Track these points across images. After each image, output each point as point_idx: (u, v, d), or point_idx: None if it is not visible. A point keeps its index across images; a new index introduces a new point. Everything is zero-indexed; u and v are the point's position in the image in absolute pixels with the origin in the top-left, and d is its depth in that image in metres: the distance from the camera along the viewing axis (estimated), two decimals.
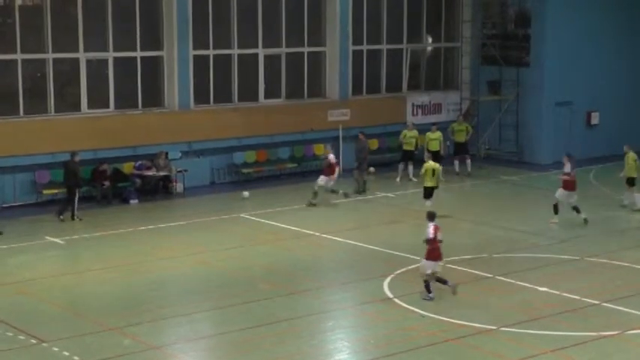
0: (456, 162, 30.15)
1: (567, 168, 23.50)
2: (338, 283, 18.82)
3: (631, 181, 25.07)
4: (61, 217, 23.79)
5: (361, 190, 27.29)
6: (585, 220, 23.11)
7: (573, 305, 16.94)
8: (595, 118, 33.56)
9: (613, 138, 33.13)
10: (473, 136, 31.29)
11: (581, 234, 22.25)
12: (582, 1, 32.98)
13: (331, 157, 26.29)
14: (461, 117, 31.55)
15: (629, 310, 16.60)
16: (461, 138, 30.32)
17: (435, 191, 24.29)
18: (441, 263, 17.70)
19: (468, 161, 30.29)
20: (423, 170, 24.48)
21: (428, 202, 23.66)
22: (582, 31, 32.79)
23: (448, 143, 30.42)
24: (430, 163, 24.37)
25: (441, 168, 24.80)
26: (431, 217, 17.87)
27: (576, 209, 23.27)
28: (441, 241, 17.59)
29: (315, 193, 25.72)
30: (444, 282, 17.55)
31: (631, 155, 25.21)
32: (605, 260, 20.09)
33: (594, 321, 16.10)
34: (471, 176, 29.87)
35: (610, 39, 33.52)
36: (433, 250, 17.48)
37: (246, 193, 26.64)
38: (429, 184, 24.23)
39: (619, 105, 33.95)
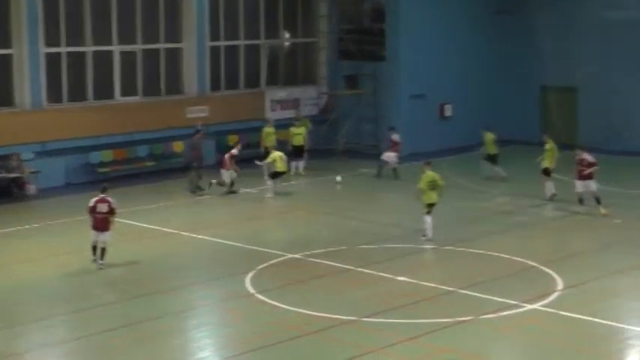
0: (293, 164, 29.44)
1: (590, 158, 23.36)
2: (201, 280, 18.72)
3: (547, 172, 25.24)
4: None
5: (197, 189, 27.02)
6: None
7: (430, 293, 17.39)
8: (448, 110, 34.49)
9: (466, 129, 34.17)
10: (310, 138, 30.74)
11: (437, 224, 22.81)
12: None
13: (395, 136, 28.82)
14: (297, 121, 30.61)
15: (483, 296, 17.16)
16: (299, 141, 29.77)
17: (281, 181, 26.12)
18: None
19: (301, 162, 29.84)
20: (270, 159, 26.64)
21: (270, 182, 26.61)
22: (436, 25, 33.64)
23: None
24: (277, 153, 26.72)
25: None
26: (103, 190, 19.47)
27: (597, 200, 23.25)
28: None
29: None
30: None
31: (549, 145, 25.45)
32: (460, 248, 20.69)
33: (450, 308, 16.56)
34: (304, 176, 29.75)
35: (463, 33, 34.49)
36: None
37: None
38: (280, 169, 26.54)
39: (471, 97, 34.99)
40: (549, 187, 25.08)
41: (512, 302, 16.68)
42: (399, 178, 28.34)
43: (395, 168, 28.70)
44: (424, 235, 21.27)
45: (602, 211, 23.02)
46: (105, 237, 19.23)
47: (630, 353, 14.68)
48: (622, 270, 18.85)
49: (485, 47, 35.23)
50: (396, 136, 29.14)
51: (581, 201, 23.53)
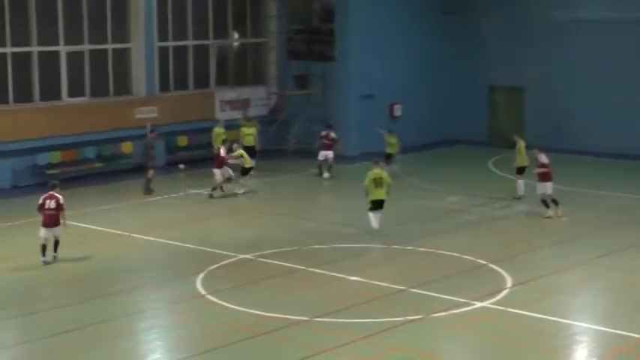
0: None
1: (543, 159, 23.33)
2: (151, 283, 18.61)
3: (521, 170, 25.29)
4: None
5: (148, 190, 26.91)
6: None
7: (382, 292, 17.48)
8: (398, 110, 34.69)
9: (415, 129, 34.43)
10: (259, 138, 30.61)
11: (388, 223, 22.93)
12: None
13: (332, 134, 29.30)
14: (248, 122, 30.64)
15: (434, 294, 17.29)
16: (250, 142, 29.72)
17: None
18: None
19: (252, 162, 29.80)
20: (238, 153, 26.67)
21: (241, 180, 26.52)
22: (385, 25, 33.80)
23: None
24: (240, 151, 26.88)
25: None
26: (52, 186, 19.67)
27: (555, 202, 23.14)
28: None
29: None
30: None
31: (521, 144, 25.43)
32: (411, 247, 20.82)
33: (401, 306, 16.66)
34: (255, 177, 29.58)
35: (412, 33, 34.68)
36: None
37: (181, 166, 27.25)
38: (248, 165, 26.68)
39: (421, 97, 35.22)
40: (520, 186, 25.25)
41: (462, 300, 16.84)
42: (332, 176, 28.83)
43: (330, 166, 29.09)
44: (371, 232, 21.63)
45: (549, 213, 23.08)
46: (56, 232, 19.46)
47: (577, 349, 14.91)
48: (569, 267, 19.15)
49: (434, 48, 35.49)
50: (333, 134, 29.50)
51: (543, 202, 23.46)
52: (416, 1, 35.02)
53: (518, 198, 25.17)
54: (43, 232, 19.36)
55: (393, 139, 28.94)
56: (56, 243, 19.57)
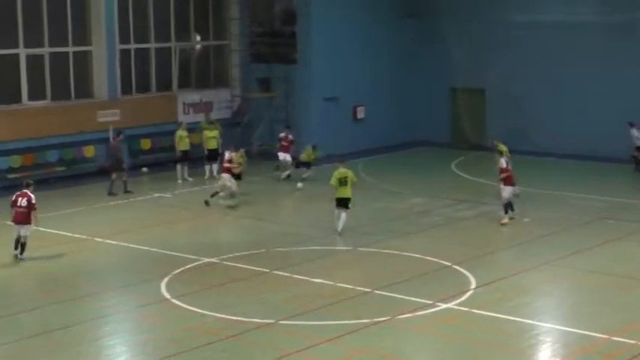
0: (208, 167, 29.42)
1: (503, 163, 23.14)
2: (115, 287, 18.46)
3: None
4: None
5: (112, 193, 26.84)
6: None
7: (347, 294, 17.49)
8: (361, 113, 34.79)
9: (378, 131, 34.58)
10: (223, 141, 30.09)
11: (353, 226, 22.98)
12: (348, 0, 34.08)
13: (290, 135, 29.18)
14: (212, 123, 30.43)
15: (399, 296, 17.35)
16: (213, 144, 29.53)
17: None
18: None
19: (215, 166, 29.39)
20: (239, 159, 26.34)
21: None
22: (348, 28, 33.87)
23: None
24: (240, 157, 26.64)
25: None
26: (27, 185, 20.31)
27: (511, 206, 22.95)
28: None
29: None
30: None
31: (502, 148, 25.13)
32: (375, 249, 20.87)
33: (367, 308, 16.69)
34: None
35: (374, 36, 34.82)
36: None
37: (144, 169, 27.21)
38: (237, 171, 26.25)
39: (384, 99, 35.37)
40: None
41: (427, 302, 16.91)
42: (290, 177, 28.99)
43: (287, 167, 29.26)
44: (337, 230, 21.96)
45: (504, 220, 22.95)
46: (25, 231, 19.87)
47: (541, 349, 15.01)
48: (532, 268, 19.29)
49: (396, 50, 35.63)
50: (290, 136, 29.68)
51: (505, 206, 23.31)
52: (377, 4, 35.12)
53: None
54: (14, 228, 20.01)
55: (314, 155, 29.26)
56: (23, 245, 19.86)
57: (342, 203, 22.01)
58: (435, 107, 35.88)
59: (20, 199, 19.94)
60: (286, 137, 29.62)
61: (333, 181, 22.02)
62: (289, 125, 30.93)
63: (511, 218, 23.09)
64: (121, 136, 28.01)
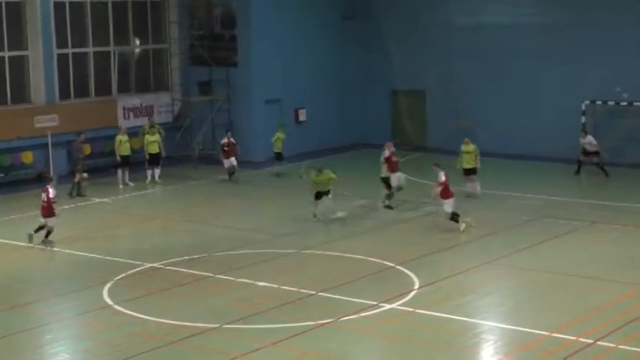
0: (149, 172, 29.19)
1: (442, 177, 22.74)
2: (56, 294, 18.18)
3: (470, 171, 26.13)
4: None
5: (75, 194, 26.70)
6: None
7: (291, 297, 17.49)
8: (303, 115, 34.82)
9: (321, 133, 34.65)
10: (164, 145, 30.05)
11: (296, 229, 23.00)
12: (288, 2, 34.04)
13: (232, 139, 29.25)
14: (152, 127, 29.84)
15: (342, 298, 17.40)
16: (154, 149, 29.26)
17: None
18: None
19: (157, 170, 29.38)
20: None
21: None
22: (288, 31, 33.85)
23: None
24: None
25: None
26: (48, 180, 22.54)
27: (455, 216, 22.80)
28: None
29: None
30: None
31: (471, 147, 26.31)
32: (319, 251, 20.90)
33: (311, 311, 16.71)
34: (161, 184, 29.31)
35: (315, 38, 34.85)
36: None
37: (85, 175, 26.77)
38: None
39: (326, 102, 35.44)
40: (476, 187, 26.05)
41: (371, 303, 16.99)
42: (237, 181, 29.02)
43: (233, 172, 29.32)
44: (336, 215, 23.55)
45: (462, 227, 22.71)
46: (49, 222, 21.70)
47: (484, 347, 15.17)
48: (475, 267, 19.50)
49: (337, 52, 35.74)
50: (232, 139, 29.74)
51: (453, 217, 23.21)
52: (317, 7, 35.19)
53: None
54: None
55: (282, 136, 30.32)
56: (48, 232, 21.67)
57: (322, 194, 23.67)
58: (377, 109, 36.07)
59: (43, 194, 21.76)
60: (228, 142, 29.51)
61: (313, 183, 23.86)
62: (229, 129, 30.91)
63: (459, 221, 22.83)
64: (82, 137, 27.67)
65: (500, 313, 16.83)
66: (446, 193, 22.74)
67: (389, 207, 24.90)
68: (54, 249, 21.45)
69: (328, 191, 23.77)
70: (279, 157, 30.53)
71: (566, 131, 30.96)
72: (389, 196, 25.09)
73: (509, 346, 15.09)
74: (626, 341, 14.91)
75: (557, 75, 32.34)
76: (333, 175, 23.91)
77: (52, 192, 21.68)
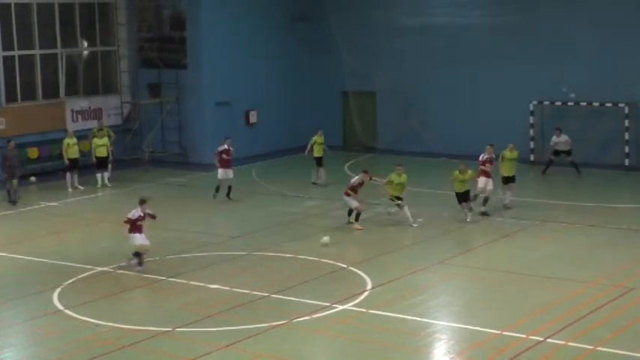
0: (99, 175, 28.80)
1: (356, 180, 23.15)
2: (5, 300, 17.91)
3: (510, 179, 24.88)
4: None
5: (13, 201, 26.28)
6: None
7: (244, 299, 17.44)
8: (254, 117, 34.75)
9: (271, 135, 34.63)
10: (113, 147, 29.69)
11: (248, 230, 22.94)
12: (237, 4, 33.94)
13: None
14: (101, 130, 29.46)
15: (295, 299, 17.40)
16: (102, 152, 28.81)
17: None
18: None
19: (107, 174, 29.09)
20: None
21: None
22: (238, 32, 33.78)
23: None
24: None
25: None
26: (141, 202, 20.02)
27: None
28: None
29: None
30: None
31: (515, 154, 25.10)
32: (271, 253, 20.87)
33: (264, 313, 16.68)
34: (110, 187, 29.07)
35: (265, 40, 34.82)
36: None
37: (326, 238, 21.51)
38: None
39: (277, 103, 35.41)
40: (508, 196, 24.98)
41: (324, 304, 17.00)
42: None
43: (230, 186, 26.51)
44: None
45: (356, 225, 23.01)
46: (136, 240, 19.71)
47: (436, 346, 15.27)
48: (426, 267, 19.61)
49: (288, 54, 35.74)
50: (232, 148, 26.56)
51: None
52: (266, 8, 35.14)
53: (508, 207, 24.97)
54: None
55: (322, 139, 28.79)
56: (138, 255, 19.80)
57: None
58: (327, 110, 36.11)
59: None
60: (228, 150, 26.24)
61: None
62: (229, 136, 27.23)
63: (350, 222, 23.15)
64: (12, 143, 27.17)
65: (452, 312, 16.95)
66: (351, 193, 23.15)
67: (485, 213, 23.84)
68: (0, 253, 21.12)
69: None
70: (319, 162, 28.72)
71: (515, 131, 31.21)
72: (485, 201, 24.11)
73: (461, 345, 15.21)
74: (575, 338, 15.11)
75: (505, 75, 32.66)
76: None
77: (131, 212, 19.87)
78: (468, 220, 23.30)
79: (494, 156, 24.68)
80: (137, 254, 19.61)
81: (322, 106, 36.25)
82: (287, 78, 35.84)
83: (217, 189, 26.28)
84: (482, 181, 24.46)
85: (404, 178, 23.58)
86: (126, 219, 19.75)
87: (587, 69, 31.34)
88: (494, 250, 21.07)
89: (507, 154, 25.05)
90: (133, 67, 34.02)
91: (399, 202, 23.38)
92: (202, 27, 33.05)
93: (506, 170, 24.92)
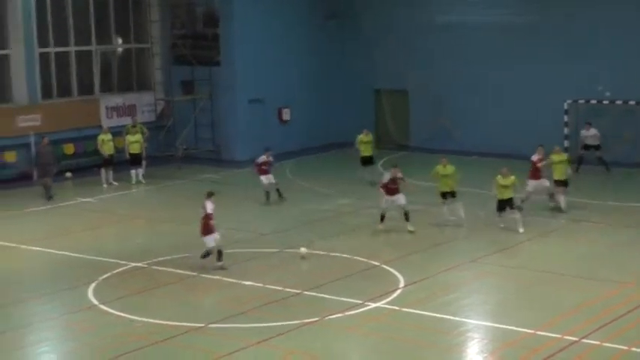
0: (133, 172, 28.91)
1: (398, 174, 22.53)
2: (41, 294, 18.09)
3: (562, 183, 24.37)
4: None
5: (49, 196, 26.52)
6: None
7: (277, 296, 17.48)
8: (287, 114, 34.80)
9: (304, 133, 34.67)
10: (147, 144, 29.80)
11: (280, 227, 22.98)
12: (270, 1, 34.02)
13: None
14: (134, 127, 29.51)
15: (328, 296, 17.40)
16: (136, 149, 28.90)
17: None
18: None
19: (141, 170, 29.14)
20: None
21: None
22: (271, 30, 33.84)
23: None
24: None
25: None
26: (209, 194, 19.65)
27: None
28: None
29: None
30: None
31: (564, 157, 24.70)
32: (304, 250, 20.86)
33: (297, 310, 16.70)
34: (144, 184, 29.12)
35: (298, 37, 34.87)
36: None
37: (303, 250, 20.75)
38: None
39: (309, 101, 35.44)
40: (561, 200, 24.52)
41: (357, 301, 17.00)
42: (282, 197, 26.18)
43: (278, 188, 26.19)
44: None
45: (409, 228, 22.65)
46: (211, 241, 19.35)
47: (469, 345, 15.22)
48: (459, 265, 19.55)
49: (321, 51, 35.75)
50: (271, 157, 26.17)
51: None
52: (299, 5, 35.19)
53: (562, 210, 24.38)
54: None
55: (368, 138, 28.28)
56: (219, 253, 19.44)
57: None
58: (360, 108, 36.07)
59: (201, 210, 19.57)
60: (267, 161, 26.00)
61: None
62: (269, 147, 26.64)
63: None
64: (46, 139, 27.42)
65: (485, 310, 16.88)
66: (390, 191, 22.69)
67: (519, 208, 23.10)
68: (34, 248, 21.33)
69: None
70: (366, 161, 28.29)
71: (548, 130, 31.00)
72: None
73: (494, 344, 15.15)
74: (610, 338, 15.00)
75: (539, 74, 32.42)
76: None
77: (208, 207, 19.50)
78: (521, 231, 22.11)
79: (543, 156, 24.32)
80: (208, 253, 19.33)
81: (354, 103, 36.21)
82: (319, 75, 35.85)
83: (267, 195, 25.84)
84: (531, 184, 24.18)
85: (450, 169, 23.43)
86: (206, 214, 19.28)
87: (622, 67, 31.05)
88: (528, 249, 20.96)
89: (555, 157, 24.53)
90: (166, 64, 34.19)
91: (452, 199, 22.98)
92: (235, 24, 33.14)
93: (557, 174, 24.40)
